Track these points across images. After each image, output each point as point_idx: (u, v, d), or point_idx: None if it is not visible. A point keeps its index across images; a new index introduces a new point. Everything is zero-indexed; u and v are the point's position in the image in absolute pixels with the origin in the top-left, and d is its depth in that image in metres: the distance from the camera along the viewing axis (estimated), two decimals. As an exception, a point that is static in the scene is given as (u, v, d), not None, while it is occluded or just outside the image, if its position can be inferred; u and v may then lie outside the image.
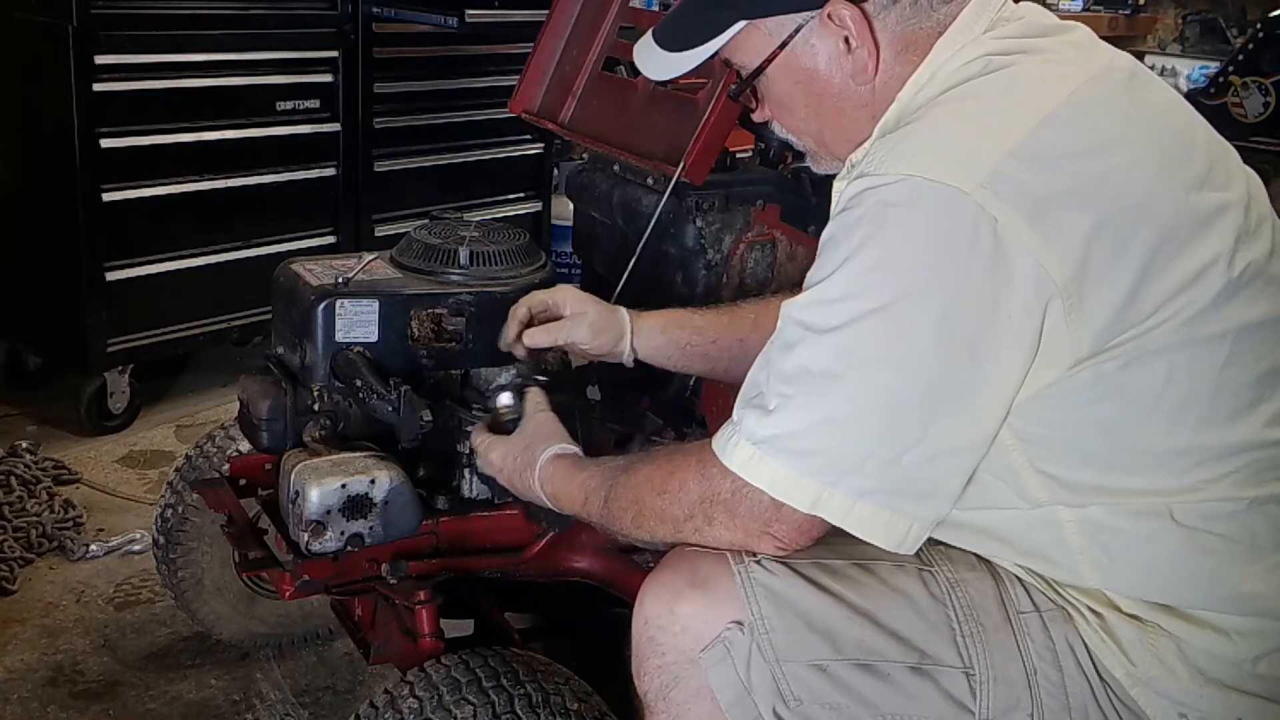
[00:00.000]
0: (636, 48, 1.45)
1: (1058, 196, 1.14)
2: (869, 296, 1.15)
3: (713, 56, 1.38)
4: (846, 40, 1.28)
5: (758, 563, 1.26)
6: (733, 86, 1.42)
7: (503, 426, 1.64)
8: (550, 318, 1.75)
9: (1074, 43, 1.30)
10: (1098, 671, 1.25)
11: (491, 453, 1.61)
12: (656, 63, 1.41)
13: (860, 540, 1.25)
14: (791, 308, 1.22)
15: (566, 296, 1.76)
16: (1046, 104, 1.19)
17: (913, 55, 1.29)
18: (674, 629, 1.27)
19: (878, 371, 1.15)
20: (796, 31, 1.30)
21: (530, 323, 1.75)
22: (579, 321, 1.73)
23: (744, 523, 1.24)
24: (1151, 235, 1.16)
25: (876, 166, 1.19)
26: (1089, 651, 1.25)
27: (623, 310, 1.78)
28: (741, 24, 1.32)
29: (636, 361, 1.79)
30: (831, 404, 1.17)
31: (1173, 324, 1.17)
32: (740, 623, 1.24)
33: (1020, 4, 1.33)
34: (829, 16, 1.28)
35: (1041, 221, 1.13)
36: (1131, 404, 1.18)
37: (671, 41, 1.39)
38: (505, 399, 1.67)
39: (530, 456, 1.54)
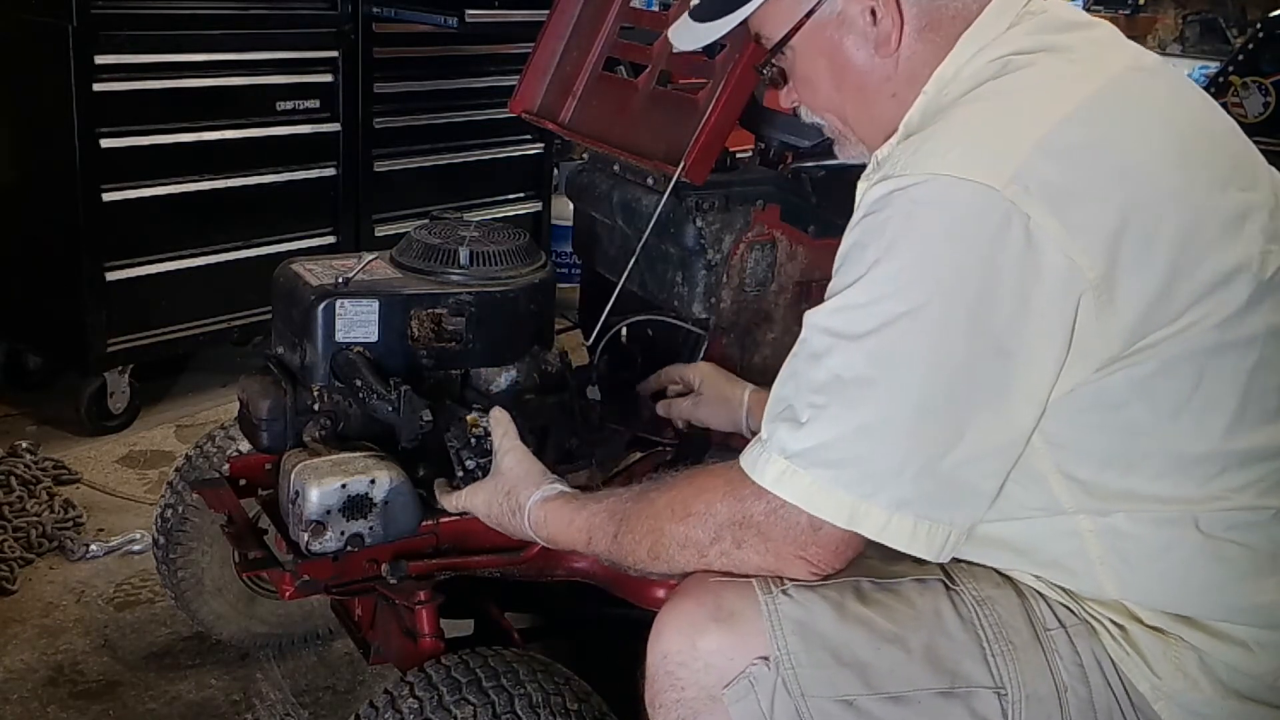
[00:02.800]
0: (671, 28, 1.47)
1: (1085, 190, 1.14)
2: (902, 298, 1.14)
3: (741, 25, 1.37)
4: (873, 11, 1.28)
5: (785, 594, 1.23)
6: (759, 63, 1.40)
7: (473, 477, 1.62)
8: (682, 392, 1.98)
9: (1096, 40, 1.30)
10: (1123, 685, 1.24)
11: (475, 499, 1.58)
12: (686, 32, 1.42)
13: (882, 557, 1.25)
14: (817, 316, 1.20)
15: (700, 374, 1.96)
16: (1069, 101, 1.19)
17: (935, 36, 1.28)
18: (696, 665, 1.24)
19: (914, 374, 1.14)
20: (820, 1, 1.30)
21: (662, 394, 2.01)
22: (698, 402, 1.95)
23: (777, 546, 1.21)
24: (1178, 231, 1.16)
25: (902, 168, 1.18)
26: (1114, 665, 1.24)
27: (744, 391, 1.91)
28: None
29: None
30: (867, 411, 1.15)
31: (1205, 326, 1.16)
32: (766, 658, 1.22)
33: None
34: None
35: (1070, 215, 1.13)
36: (1161, 407, 1.18)
37: (704, 12, 1.39)
38: (468, 460, 1.64)
39: (515, 502, 1.51)
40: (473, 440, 1.64)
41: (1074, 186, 1.14)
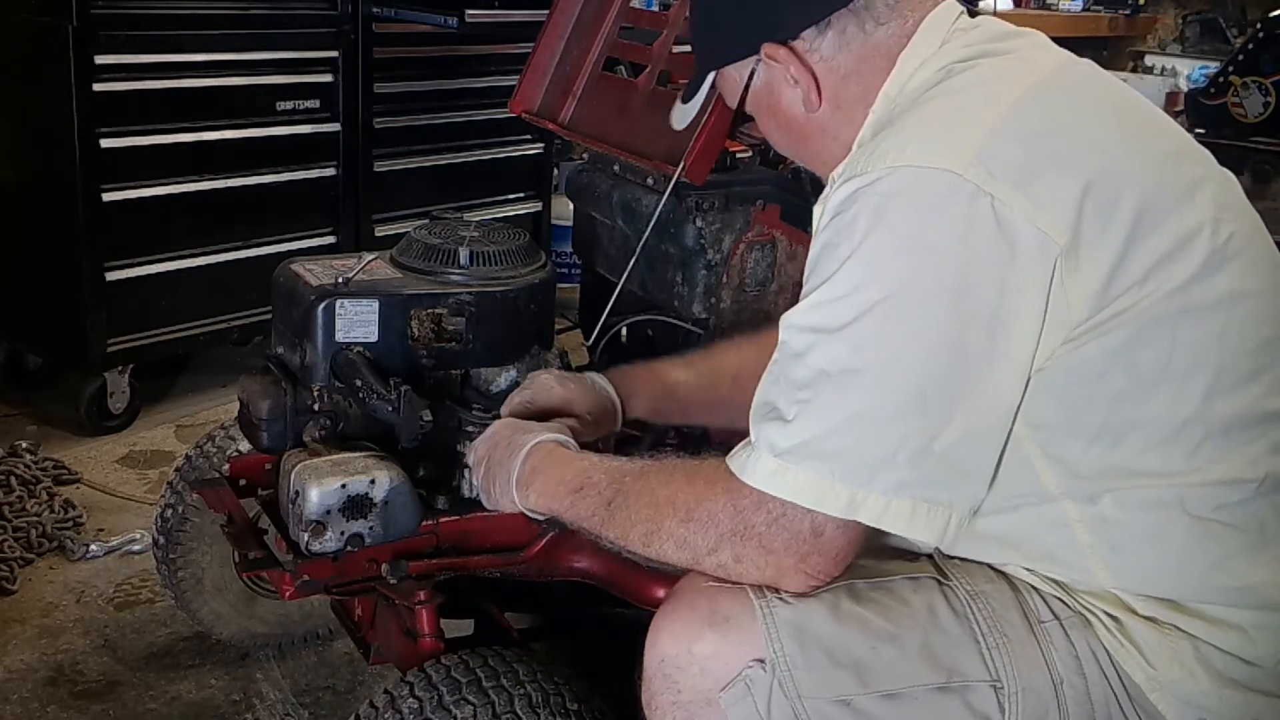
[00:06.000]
0: (672, 113, 1.60)
1: (1045, 163, 1.18)
2: (878, 286, 1.16)
3: (706, 104, 1.51)
4: (790, 76, 1.36)
5: (779, 597, 1.24)
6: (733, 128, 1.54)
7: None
8: (542, 409, 1.71)
9: (1031, 44, 1.36)
10: (1119, 677, 1.24)
11: (497, 422, 1.63)
12: (679, 114, 1.56)
13: (875, 557, 1.26)
14: (794, 316, 1.22)
15: (558, 394, 1.72)
16: (1019, 87, 1.24)
17: (861, 77, 1.34)
18: (692, 669, 1.25)
19: (898, 359, 1.16)
20: (752, 74, 1.40)
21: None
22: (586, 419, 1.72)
23: (778, 558, 1.22)
24: (1136, 197, 1.19)
25: (863, 168, 1.21)
26: (1110, 657, 1.25)
27: (611, 394, 1.78)
28: (713, 74, 1.45)
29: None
30: (855, 400, 1.16)
31: (1164, 291, 1.19)
32: (762, 661, 1.23)
33: (975, 17, 1.39)
34: (767, 57, 1.37)
35: (1034, 188, 1.16)
36: (1141, 373, 1.19)
37: (686, 95, 1.53)
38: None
39: (520, 437, 1.55)
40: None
41: (1034, 160, 1.18)
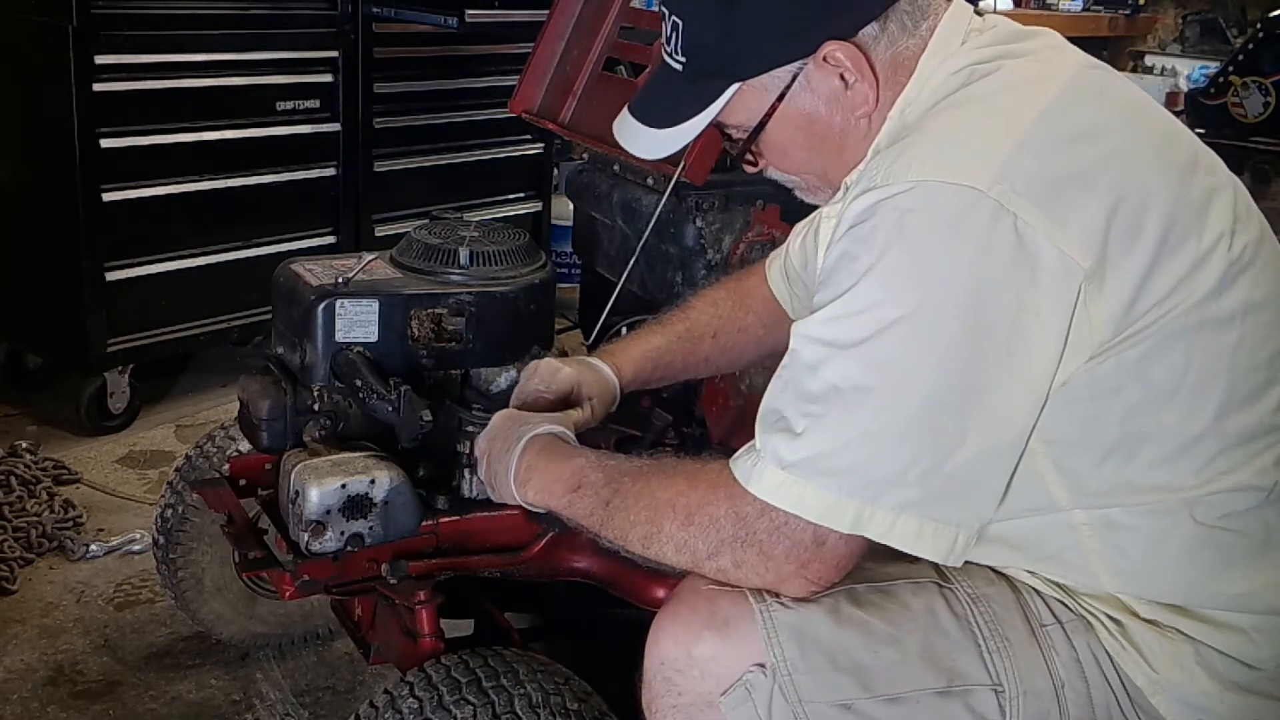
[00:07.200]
0: (617, 126, 1.43)
1: (1070, 181, 1.16)
2: (895, 303, 1.14)
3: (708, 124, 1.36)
4: (843, 77, 1.29)
5: (779, 601, 1.24)
6: (729, 146, 1.40)
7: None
8: (556, 396, 1.69)
9: (1049, 45, 1.33)
10: (1120, 680, 1.24)
11: (498, 415, 1.60)
12: (646, 141, 1.39)
13: (875, 560, 1.25)
14: (808, 327, 1.20)
15: (567, 375, 1.69)
16: (1041, 98, 1.22)
17: (900, 77, 1.30)
18: (692, 672, 1.24)
19: (912, 378, 1.14)
20: (793, 80, 1.30)
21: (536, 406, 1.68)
22: (589, 407, 1.69)
23: (779, 565, 1.20)
24: (1160, 215, 1.18)
25: (883, 179, 1.18)
26: (1111, 660, 1.24)
27: (608, 373, 1.75)
28: (735, 87, 1.31)
29: None
30: (867, 418, 1.15)
31: (1184, 307, 1.18)
32: (762, 665, 1.22)
33: (987, 16, 1.36)
34: (824, 59, 1.28)
35: (1059, 208, 1.14)
36: (1153, 390, 1.19)
37: (660, 118, 1.37)
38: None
39: (519, 429, 1.52)
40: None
41: (1059, 179, 1.16)
